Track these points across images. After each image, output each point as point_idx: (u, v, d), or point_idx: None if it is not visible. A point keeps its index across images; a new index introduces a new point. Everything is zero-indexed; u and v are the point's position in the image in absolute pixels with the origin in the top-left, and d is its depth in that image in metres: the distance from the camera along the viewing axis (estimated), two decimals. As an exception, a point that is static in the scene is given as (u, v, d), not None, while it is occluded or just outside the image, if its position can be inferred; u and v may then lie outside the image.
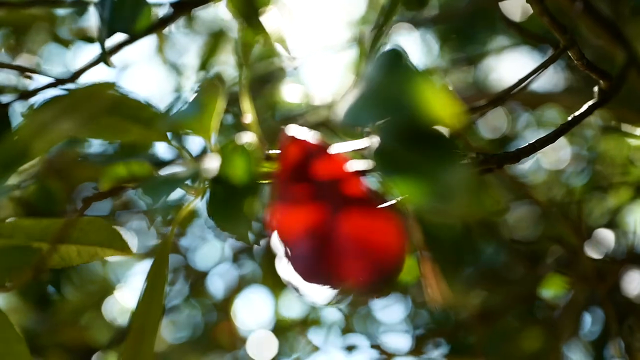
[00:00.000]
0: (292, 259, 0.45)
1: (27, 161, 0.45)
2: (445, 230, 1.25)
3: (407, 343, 1.30)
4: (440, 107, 0.40)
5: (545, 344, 1.21)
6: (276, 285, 1.61)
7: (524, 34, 0.69)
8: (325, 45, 1.14)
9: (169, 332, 1.87)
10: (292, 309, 1.70)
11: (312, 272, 0.45)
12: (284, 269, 0.45)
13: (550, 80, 1.44)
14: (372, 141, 0.42)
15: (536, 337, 1.25)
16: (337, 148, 0.49)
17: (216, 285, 1.74)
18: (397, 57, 0.44)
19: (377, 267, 0.44)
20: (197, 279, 1.68)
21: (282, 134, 0.47)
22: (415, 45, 1.55)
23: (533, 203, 0.78)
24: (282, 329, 1.69)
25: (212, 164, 0.48)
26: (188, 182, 0.50)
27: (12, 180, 0.45)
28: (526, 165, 1.57)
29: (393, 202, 0.50)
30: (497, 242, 1.20)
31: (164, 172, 0.49)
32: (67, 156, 0.96)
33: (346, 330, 1.57)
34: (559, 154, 1.51)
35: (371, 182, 0.47)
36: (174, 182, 0.46)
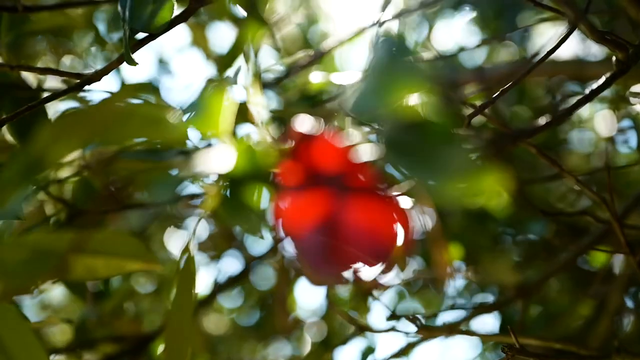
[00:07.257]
0: (297, 249, 0.47)
1: (43, 170, 0.47)
2: (488, 209, 1.25)
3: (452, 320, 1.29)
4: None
5: (593, 318, 1.20)
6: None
7: (543, 7, 0.69)
8: (357, 29, 1.13)
9: (227, 318, 1.90)
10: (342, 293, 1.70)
11: (316, 260, 0.46)
12: (290, 258, 0.47)
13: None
14: (380, 128, 0.43)
15: (584, 310, 1.24)
16: (347, 137, 0.50)
17: (270, 271, 1.76)
18: (395, 44, 0.45)
19: (378, 252, 0.46)
20: (252, 264, 1.70)
21: (292, 126, 0.49)
22: (458, 25, 1.54)
23: (563, 176, 0.78)
24: (334, 312, 1.69)
25: (223, 160, 0.49)
26: (205, 179, 0.51)
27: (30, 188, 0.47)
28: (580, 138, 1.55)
29: (401, 188, 0.51)
30: (537, 216, 1.19)
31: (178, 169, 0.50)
32: (108, 152, 0.98)
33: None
34: (612, 126, 1.48)
35: (381, 169, 0.48)
36: (179, 180, 0.48)
